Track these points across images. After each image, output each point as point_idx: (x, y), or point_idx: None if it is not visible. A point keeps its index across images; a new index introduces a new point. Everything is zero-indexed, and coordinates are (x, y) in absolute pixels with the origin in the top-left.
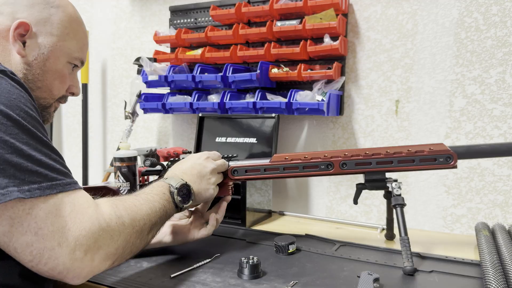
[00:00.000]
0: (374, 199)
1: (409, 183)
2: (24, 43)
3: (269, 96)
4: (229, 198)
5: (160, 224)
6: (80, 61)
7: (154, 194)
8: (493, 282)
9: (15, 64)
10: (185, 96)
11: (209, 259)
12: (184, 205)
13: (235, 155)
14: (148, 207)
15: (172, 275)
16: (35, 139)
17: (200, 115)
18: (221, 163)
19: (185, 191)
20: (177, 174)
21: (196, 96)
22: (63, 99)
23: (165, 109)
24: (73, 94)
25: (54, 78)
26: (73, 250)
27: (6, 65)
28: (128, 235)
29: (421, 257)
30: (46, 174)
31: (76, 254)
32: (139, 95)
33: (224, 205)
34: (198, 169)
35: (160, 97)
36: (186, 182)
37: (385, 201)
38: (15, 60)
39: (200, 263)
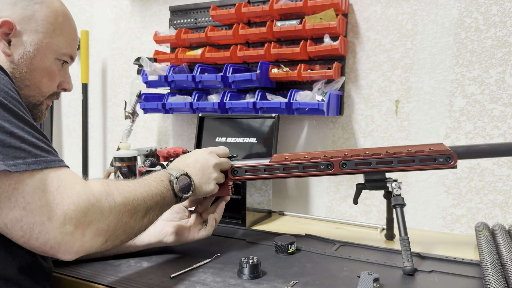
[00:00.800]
0: (374, 199)
1: (409, 183)
2: (9, 42)
3: (269, 96)
4: (228, 198)
5: (157, 209)
6: (70, 56)
7: (152, 180)
8: (493, 282)
9: (1, 63)
10: (185, 96)
11: (209, 259)
12: (184, 195)
13: (235, 155)
14: (143, 190)
15: (172, 275)
16: (17, 117)
17: (200, 115)
18: (225, 160)
19: (185, 182)
20: (179, 166)
21: (196, 96)
22: (54, 95)
23: (165, 109)
24: (65, 90)
25: (42, 76)
26: (63, 224)
27: None
28: (119, 213)
29: (421, 257)
30: (30, 151)
31: (66, 228)
32: (139, 95)
33: (222, 204)
34: (201, 162)
35: (160, 97)
36: (187, 173)
37: (385, 201)
38: (0, 59)
39: (200, 263)
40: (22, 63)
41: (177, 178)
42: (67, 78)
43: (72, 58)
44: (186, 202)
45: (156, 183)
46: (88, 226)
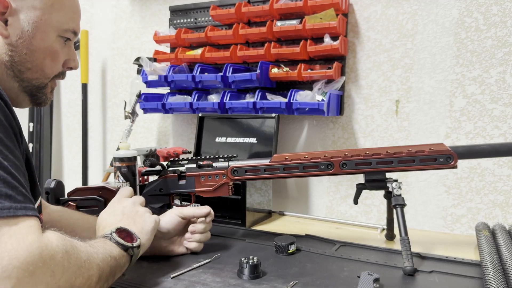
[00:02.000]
0: (374, 199)
1: (409, 183)
2: (5, 22)
3: (269, 96)
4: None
5: (110, 275)
6: (72, 32)
7: (95, 242)
8: (493, 282)
9: None
10: (185, 96)
11: (209, 259)
12: (134, 244)
13: (235, 155)
14: (93, 251)
15: (172, 275)
16: None
17: (200, 115)
18: (135, 197)
19: (124, 233)
20: (105, 230)
21: (196, 96)
22: (60, 76)
23: (165, 109)
24: (71, 68)
25: (44, 57)
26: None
27: None
28: (73, 275)
29: (421, 257)
30: None
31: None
32: (139, 95)
33: (205, 224)
34: (120, 211)
35: (160, 97)
36: (120, 227)
37: (385, 201)
38: None
39: (200, 263)
40: (21, 44)
41: (114, 232)
42: (72, 55)
43: (76, 33)
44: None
45: (102, 244)
46: (33, 287)
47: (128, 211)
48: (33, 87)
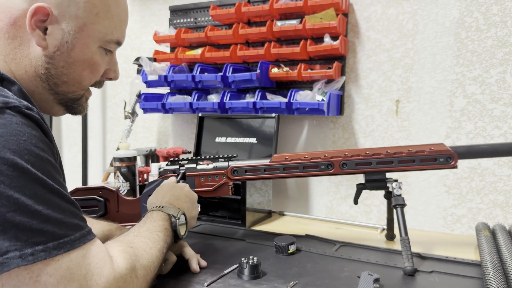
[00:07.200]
0: (374, 199)
1: (409, 183)
2: (45, 31)
3: (269, 96)
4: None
5: (162, 259)
6: (116, 42)
7: (158, 231)
8: (493, 282)
9: (35, 59)
10: (185, 96)
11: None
12: (184, 234)
13: (235, 155)
14: (156, 249)
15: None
16: (44, 188)
17: (200, 115)
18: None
19: (183, 221)
20: (173, 202)
21: (196, 96)
22: (97, 84)
23: (165, 109)
24: (110, 79)
25: (82, 69)
26: None
27: (25, 61)
28: (141, 284)
29: (422, 257)
30: (53, 232)
31: None
32: (139, 95)
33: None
34: (190, 197)
35: (160, 97)
36: (183, 212)
37: (385, 201)
38: (35, 54)
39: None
40: (58, 56)
41: (178, 219)
42: (113, 65)
43: (120, 43)
44: None
45: (163, 234)
46: None
47: (192, 200)
48: (69, 99)
